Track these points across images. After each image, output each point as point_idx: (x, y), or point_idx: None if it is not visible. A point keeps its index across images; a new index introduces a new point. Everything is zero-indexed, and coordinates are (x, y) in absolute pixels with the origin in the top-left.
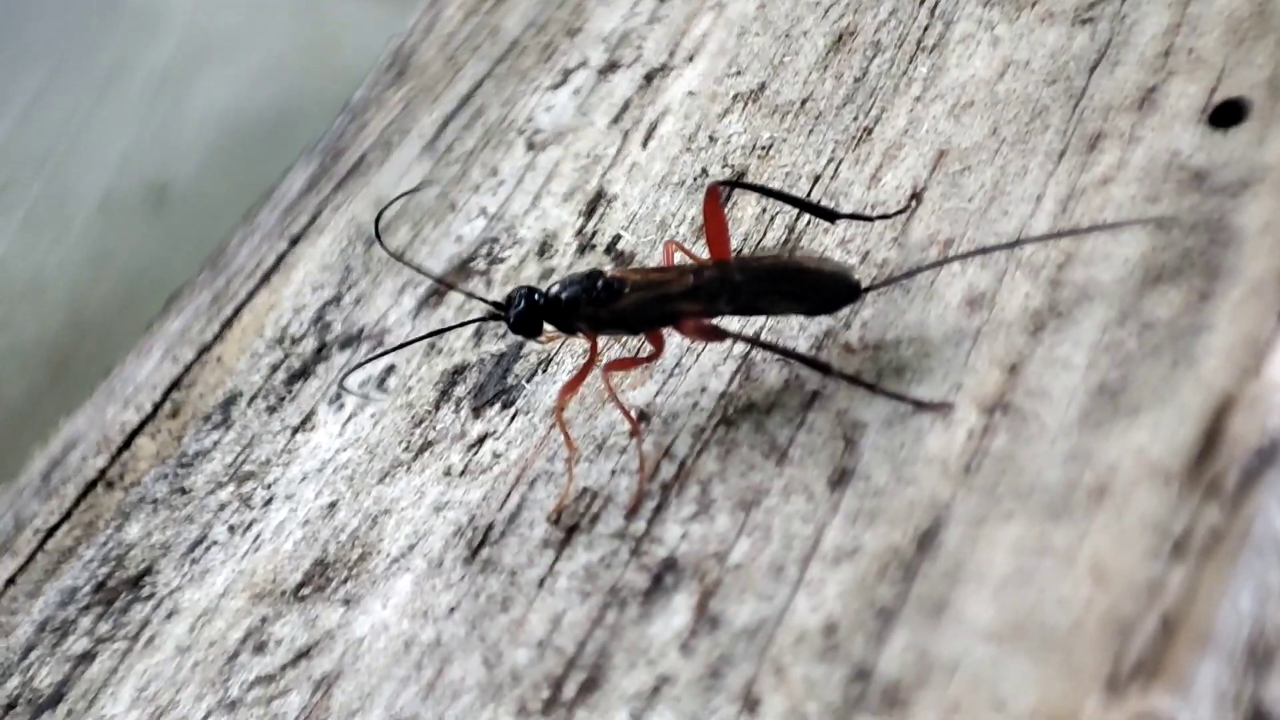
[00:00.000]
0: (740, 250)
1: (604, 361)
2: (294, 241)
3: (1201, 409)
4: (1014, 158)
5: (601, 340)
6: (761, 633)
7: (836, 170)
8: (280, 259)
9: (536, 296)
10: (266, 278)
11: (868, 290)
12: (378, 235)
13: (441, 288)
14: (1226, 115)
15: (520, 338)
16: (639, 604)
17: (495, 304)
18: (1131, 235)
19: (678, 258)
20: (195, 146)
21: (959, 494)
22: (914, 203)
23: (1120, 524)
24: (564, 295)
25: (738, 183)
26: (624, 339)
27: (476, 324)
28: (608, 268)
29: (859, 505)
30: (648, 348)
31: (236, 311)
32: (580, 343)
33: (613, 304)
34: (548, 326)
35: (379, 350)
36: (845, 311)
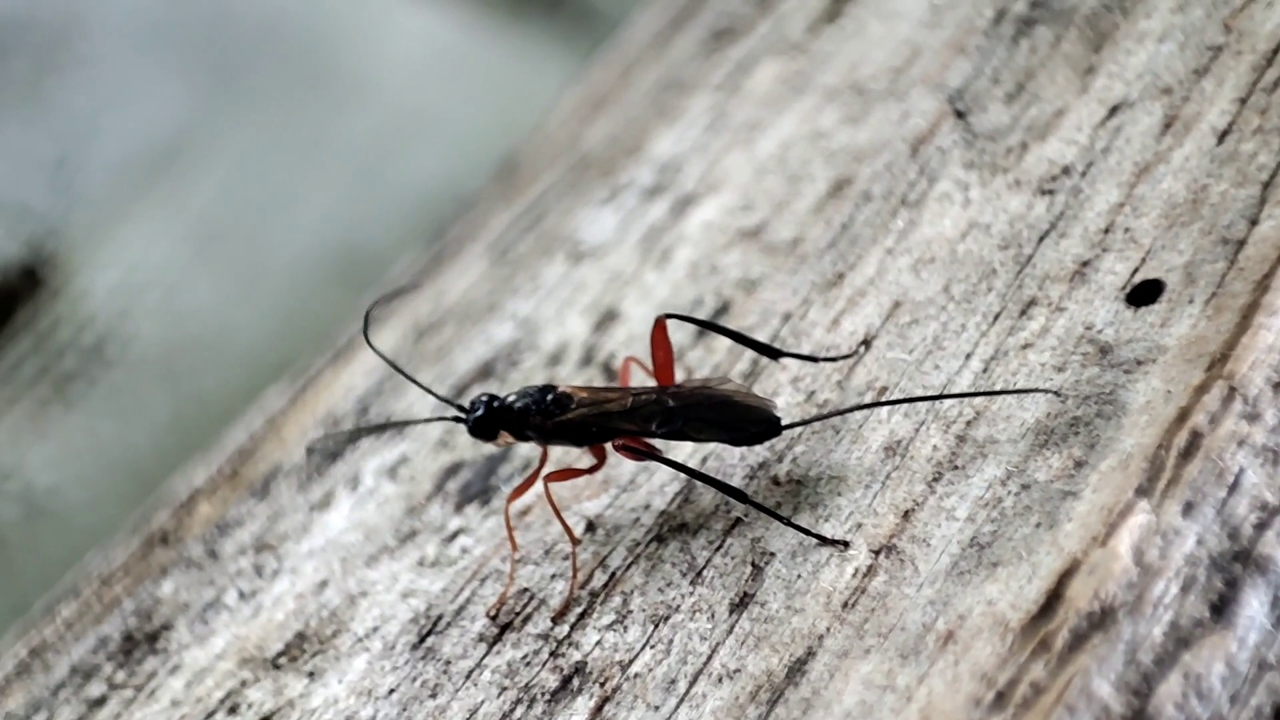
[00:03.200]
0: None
1: (547, 473)
2: (367, 324)
3: (1050, 570)
4: (957, 315)
5: (554, 450)
6: None
7: (806, 311)
8: (350, 340)
9: (495, 403)
10: (339, 355)
11: (787, 427)
12: (365, 326)
13: (467, 382)
14: (1143, 294)
15: (480, 439)
16: (545, 702)
17: (460, 407)
18: (1034, 400)
19: (636, 373)
20: (387, 218)
21: (833, 627)
22: (862, 349)
23: (955, 670)
24: (517, 405)
25: (686, 317)
26: (574, 449)
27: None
28: (564, 384)
29: (750, 629)
30: (591, 460)
31: (304, 387)
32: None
33: (559, 416)
34: (504, 433)
35: (352, 432)
36: (781, 447)
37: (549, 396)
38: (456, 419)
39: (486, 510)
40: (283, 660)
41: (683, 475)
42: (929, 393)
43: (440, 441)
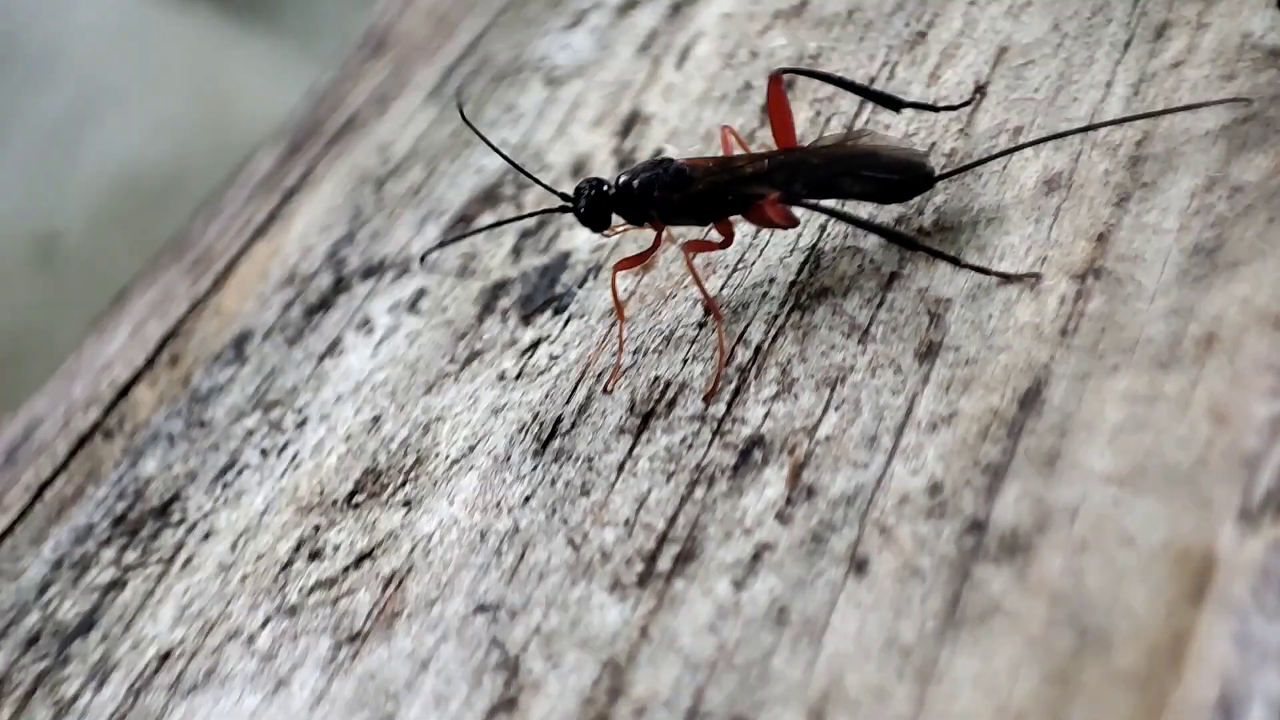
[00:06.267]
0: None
1: (683, 241)
2: (288, 195)
3: None
4: (1078, 50)
5: (669, 231)
6: (860, 498)
7: (893, 72)
8: (274, 213)
9: (605, 187)
10: (261, 231)
11: (942, 177)
12: (460, 109)
13: (470, 213)
14: None
15: (590, 229)
16: (728, 479)
17: (564, 195)
18: (1210, 111)
19: (735, 147)
20: (86, 200)
21: (1058, 354)
22: (978, 95)
23: (1233, 368)
24: (635, 183)
25: (802, 70)
26: (690, 230)
27: (532, 223)
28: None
29: (951, 374)
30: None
31: (230, 265)
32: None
33: (686, 189)
34: (616, 218)
35: (457, 235)
36: (916, 200)
37: (671, 169)
38: (564, 209)
39: (564, 317)
40: (360, 499)
41: (802, 246)
42: (1074, 125)
43: (461, 268)
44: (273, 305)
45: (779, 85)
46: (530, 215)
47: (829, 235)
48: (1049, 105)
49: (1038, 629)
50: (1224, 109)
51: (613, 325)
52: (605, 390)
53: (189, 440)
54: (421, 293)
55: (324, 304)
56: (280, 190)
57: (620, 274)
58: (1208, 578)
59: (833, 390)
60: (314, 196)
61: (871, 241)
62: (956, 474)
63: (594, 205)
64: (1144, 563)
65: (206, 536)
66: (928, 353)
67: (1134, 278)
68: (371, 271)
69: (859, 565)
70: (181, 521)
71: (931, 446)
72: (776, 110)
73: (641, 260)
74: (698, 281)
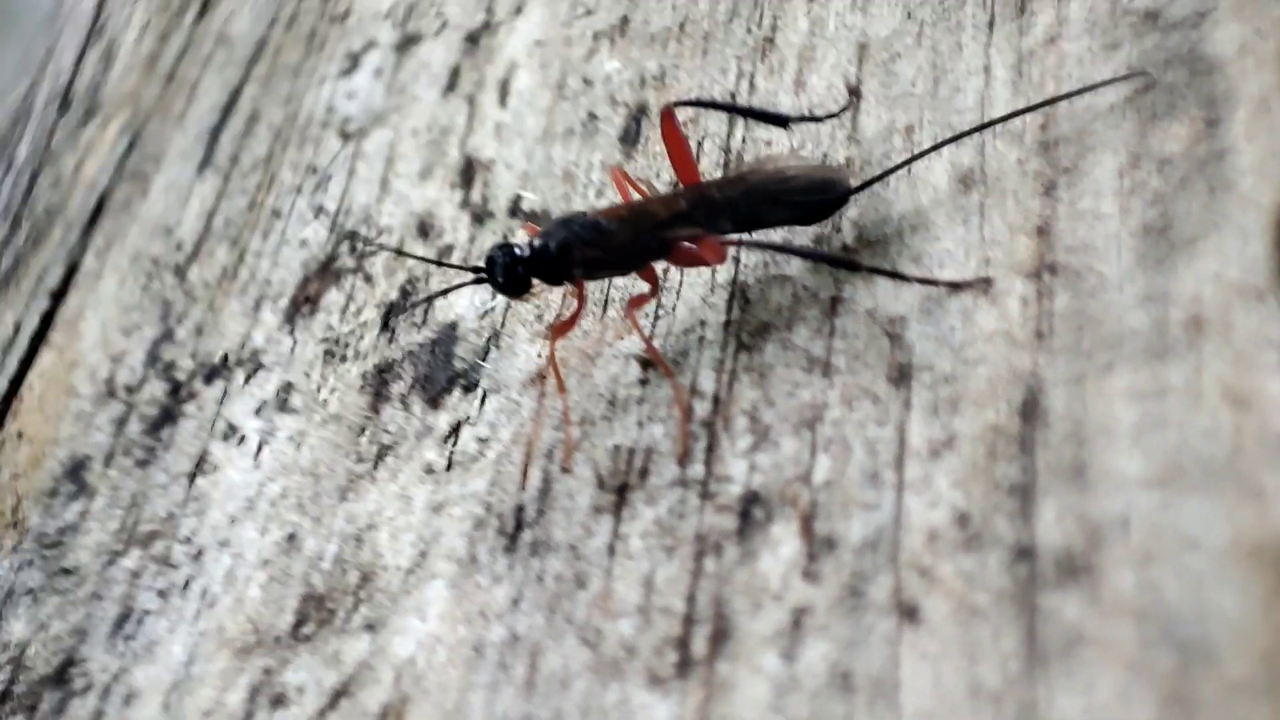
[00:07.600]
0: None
1: (627, 300)
2: (58, 296)
3: (1259, 224)
4: (941, 36)
5: (588, 287)
6: (883, 541)
7: (752, 84)
8: (48, 318)
9: (518, 250)
10: (41, 340)
11: (860, 189)
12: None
13: (312, 293)
14: None
15: (509, 298)
16: (735, 544)
17: (475, 269)
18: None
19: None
20: None
21: (1041, 359)
22: (854, 98)
23: (1232, 348)
24: (553, 244)
25: (690, 101)
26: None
27: (394, 296)
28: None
29: (933, 396)
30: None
31: (14, 384)
32: (531, 308)
33: (607, 243)
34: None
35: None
36: (827, 220)
37: (585, 225)
38: (478, 281)
39: (478, 394)
40: (308, 629)
41: (721, 282)
42: (963, 115)
43: (327, 354)
44: (100, 424)
45: (672, 120)
46: (446, 291)
47: (746, 267)
48: (932, 98)
49: (1133, 651)
50: (1122, 83)
51: (542, 396)
52: (564, 469)
53: (58, 592)
54: (288, 388)
55: (168, 416)
56: (43, 292)
57: (558, 342)
58: None
59: (813, 431)
60: (96, 294)
61: (796, 266)
62: (980, 500)
63: (511, 272)
64: (1217, 564)
65: (128, 700)
66: (900, 376)
67: (1092, 269)
68: (215, 373)
69: (909, 613)
70: (89, 688)
71: (940, 475)
72: (675, 146)
73: (575, 322)
74: (644, 338)
